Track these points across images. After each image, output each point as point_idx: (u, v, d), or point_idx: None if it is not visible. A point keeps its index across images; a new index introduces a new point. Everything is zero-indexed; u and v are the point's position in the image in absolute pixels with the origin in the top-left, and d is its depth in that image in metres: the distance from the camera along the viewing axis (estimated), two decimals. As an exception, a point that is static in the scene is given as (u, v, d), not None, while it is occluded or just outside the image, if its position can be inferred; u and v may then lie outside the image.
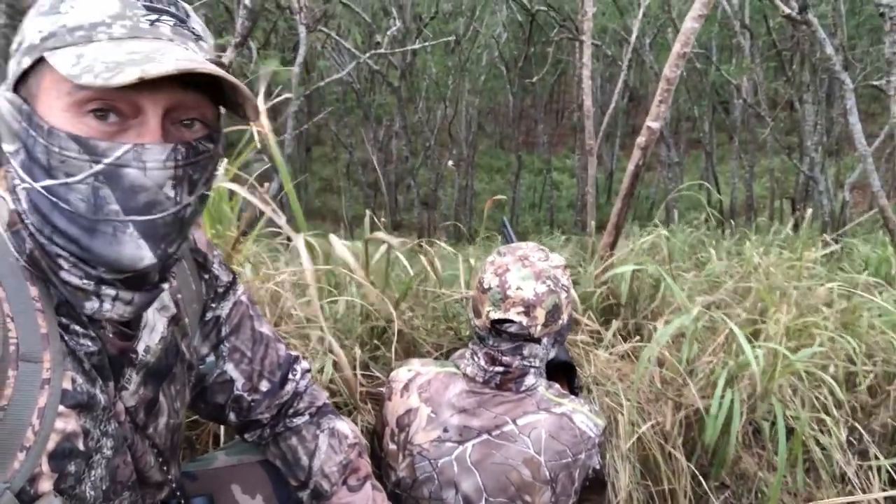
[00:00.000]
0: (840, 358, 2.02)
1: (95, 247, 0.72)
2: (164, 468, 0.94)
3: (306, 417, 1.15)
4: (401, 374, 1.41)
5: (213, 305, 1.06)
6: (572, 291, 1.38)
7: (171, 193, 0.73)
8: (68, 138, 0.69)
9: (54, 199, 0.71)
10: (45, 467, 0.73)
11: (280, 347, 1.14)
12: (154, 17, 0.73)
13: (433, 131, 11.37)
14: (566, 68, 14.25)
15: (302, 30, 5.80)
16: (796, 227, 4.68)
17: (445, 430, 1.31)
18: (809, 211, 4.16)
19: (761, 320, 2.12)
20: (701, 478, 1.74)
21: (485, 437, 1.29)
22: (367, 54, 7.30)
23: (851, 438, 1.97)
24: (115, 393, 0.83)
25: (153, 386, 0.89)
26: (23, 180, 0.72)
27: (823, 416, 1.92)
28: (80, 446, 0.77)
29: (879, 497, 1.67)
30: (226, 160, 1.95)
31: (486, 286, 1.31)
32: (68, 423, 0.76)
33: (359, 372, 1.80)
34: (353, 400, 1.78)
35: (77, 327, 0.78)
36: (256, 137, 1.97)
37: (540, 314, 1.29)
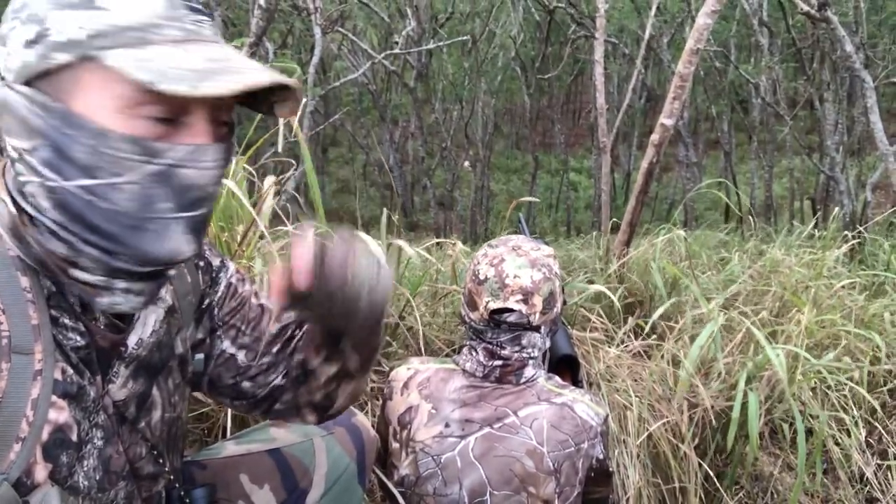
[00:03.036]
0: (860, 357, 1.99)
1: (139, 243, 0.73)
2: (160, 461, 0.93)
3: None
4: (400, 373, 1.41)
5: (209, 292, 1.05)
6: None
7: (213, 190, 0.77)
8: (123, 139, 0.69)
9: (91, 198, 0.71)
10: (39, 458, 0.74)
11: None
12: (196, 17, 0.75)
13: (449, 132, 11.37)
14: (584, 68, 14.17)
15: (317, 31, 5.82)
16: (817, 226, 4.62)
17: (447, 426, 1.30)
18: (836, 210, 4.10)
19: (776, 322, 2.09)
20: (714, 478, 1.71)
21: (486, 429, 1.29)
22: (383, 54, 7.31)
23: (870, 439, 1.94)
24: (104, 386, 0.83)
25: (145, 380, 0.89)
26: (45, 178, 0.71)
27: (843, 415, 1.89)
28: (73, 437, 0.78)
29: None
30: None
31: (482, 277, 1.31)
32: (60, 414, 0.76)
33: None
34: (363, 396, 1.78)
35: (66, 320, 0.78)
36: (281, 136, 1.98)
37: (538, 301, 1.29)
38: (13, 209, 0.75)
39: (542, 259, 1.32)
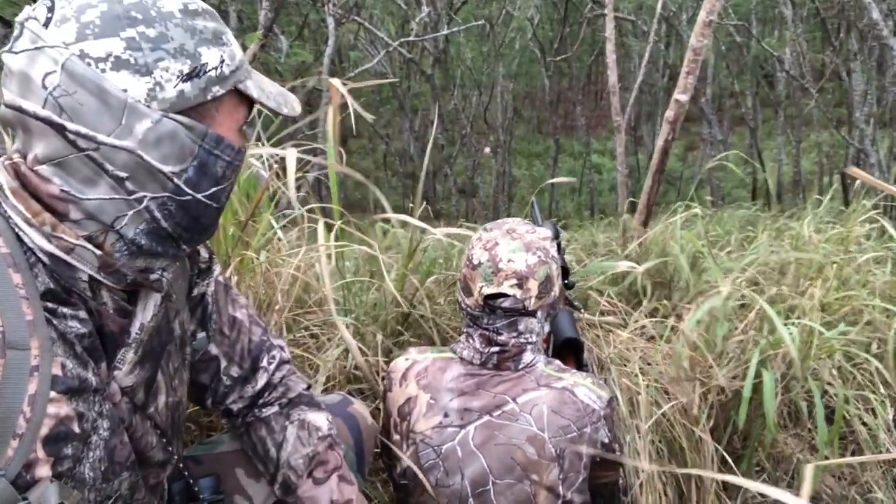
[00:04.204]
0: (886, 333, 1.91)
1: (213, 229, 0.88)
2: (169, 448, 0.95)
3: (276, 408, 1.15)
4: (398, 364, 1.40)
5: (198, 281, 1.07)
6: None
7: None
8: (241, 153, 0.85)
9: (210, 202, 0.84)
10: (41, 453, 0.74)
11: (256, 332, 1.14)
12: None
13: (469, 118, 11.30)
14: (603, 49, 13.99)
15: (331, 21, 5.81)
16: (846, 202, 4.48)
17: (446, 415, 1.28)
18: (857, 183, 3.97)
19: (795, 295, 2.02)
20: (732, 462, 1.67)
21: (486, 418, 1.26)
22: (398, 41, 7.27)
23: (898, 418, 1.87)
24: (109, 374, 0.84)
25: (151, 364, 0.90)
26: (182, 194, 0.80)
27: (868, 395, 1.82)
28: (76, 429, 0.78)
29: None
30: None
31: (475, 262, 1.28)
32: (61, 407, 0.76)
33: (380, 358, 1.78)
34: (374, 385, 1.76)
35: (65, 310, 0.78)
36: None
37: (533, 285, 1.25)
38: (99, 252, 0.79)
39: (537, 242, 1.28)
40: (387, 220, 2.14)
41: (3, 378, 0.70)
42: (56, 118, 0.72)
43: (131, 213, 0.78)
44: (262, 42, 3.52)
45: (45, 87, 0.71)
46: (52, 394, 0.75)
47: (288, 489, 1.12)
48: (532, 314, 1.29)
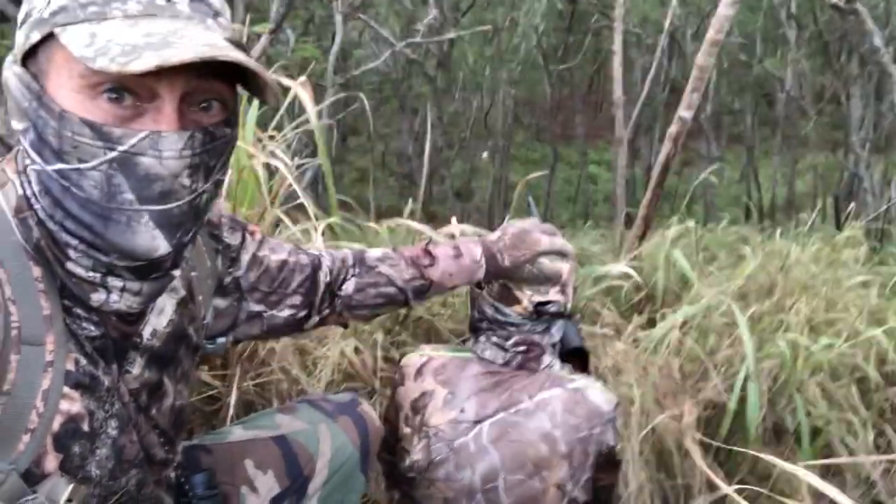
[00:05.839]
0: (870, 355, 1.95)
1: (109, 234, 0.70)
2: (167, 448, 0.94)
3: (352, 281, 1.18)
4: (412, 359, 1.44)
5: (230, 271, 1.05)
6: None
7: (187, 182, 0.72)
8: (82, 123, 0.67)
9: (66, 184, 0.69)
10: (50, 448, 0.74)
11: (302, 259, 1.14)
12: None
13: (469, 122, 11.31)
14: (606, 59, 14.02)
15: (338, 18, 5.82)
16: (838, 225, 4.53)
17: (462, 411, 1.32)
18: (852, 206, 4.02)
19: (783, 311, 2.06)
20: (723, 474, 1.70)
21: (501, 415, 1.30)
22: (403, 42, 7.29)
23: (879, 441, 1.91)
24: (119, 375, 0.83)
25: (157, 370, 0.89)
26: (33, 161, 0.70)
27: (852, 417, 1.86)
28: (85, 427, 0.77)
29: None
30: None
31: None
32: (73, 404, 0.76)
33: (379, 354, 1.81)
34: (372, 383, 1.79)
35: (80, 311, 0.77)
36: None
37: (570, 290, 1.35)
38: (20, 190, 0.74)
39: (569, 247, 1.35)
40: (378, 220, 2.17)
41: (18, 374, 0.70)
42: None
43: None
44: (271, 37, 3.54)
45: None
46: (65, 389, 0.74)
47: (422, 293, 1.21)
48: (570, 317, 1.37)
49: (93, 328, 0.78)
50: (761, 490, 1.12)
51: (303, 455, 1.19)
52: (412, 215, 2.17)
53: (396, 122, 12.85)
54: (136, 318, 0.84)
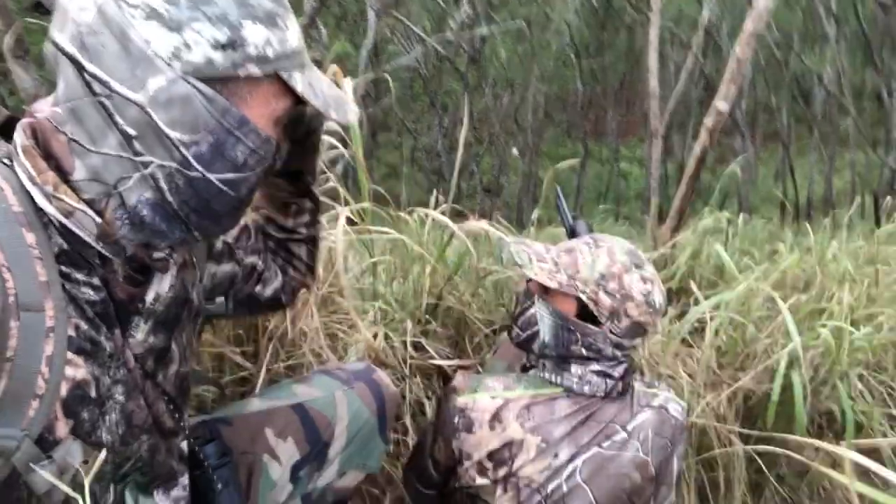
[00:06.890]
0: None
1: (229, 223, 0.87)
2: (176, 415, 0.94)
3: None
4: (481, 403, 1.24)
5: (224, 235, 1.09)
6: None
7: None
8: (268, 143, 0.80)
9: (226, 188, 0.79)
10: (60, 414, 0.74)
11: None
12: None
13: (499, 118, 11.30)
14: (640, 56, 13.90)
15: (371, 14, 5.85)
16: (878, 222, 4.43)
17: (556, 456, 1.22)
18: (892, 201, 3.92)
19: (824, 301, 2.02)
20: (764, 467, 1.67)
21: (595, 450, 1.22)
22: (434, 38, 7.31)
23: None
24: (123, 340, 0.83)
25: (164, 335, 0.89)
26: (191, 168, 0.76)
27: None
28: (92, 393, 0.78)
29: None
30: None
31: (657, 305, 1.25)
32: (77, 370, 0.76)
33: (409, 339, 1.80)
34: (402, 371, 1.79)
35: (78, 275, 0.77)
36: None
37: None
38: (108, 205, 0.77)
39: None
40: (410, 213, 2.16)
41: (20, 340, 0.70)
42: (77, 55, 0.71)
43: (136, 176, 0.75)
44: (304, 32, 3.56)
45: (75, 23, 0.71)
46: (69, 355, 0.75)
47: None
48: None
49: (92, 293, 0.78)
50: (801, 480, 1.08)
51: (321, 421, 1.19)
52: (437, 207, 2.16)
53: (427, 118, 12.89)
54: (142, 278, 0.85)
